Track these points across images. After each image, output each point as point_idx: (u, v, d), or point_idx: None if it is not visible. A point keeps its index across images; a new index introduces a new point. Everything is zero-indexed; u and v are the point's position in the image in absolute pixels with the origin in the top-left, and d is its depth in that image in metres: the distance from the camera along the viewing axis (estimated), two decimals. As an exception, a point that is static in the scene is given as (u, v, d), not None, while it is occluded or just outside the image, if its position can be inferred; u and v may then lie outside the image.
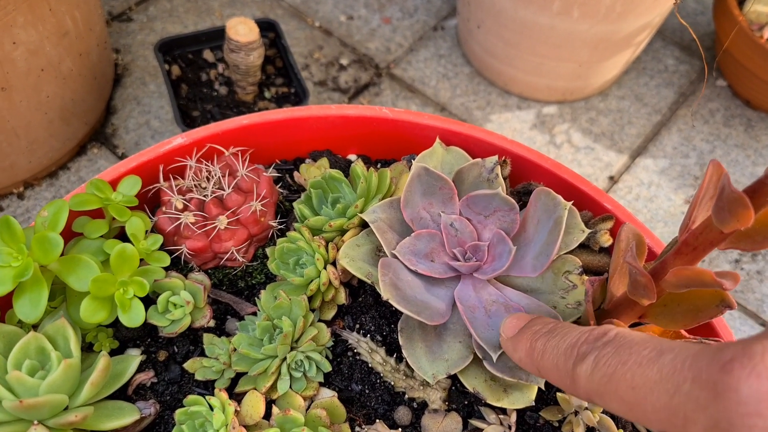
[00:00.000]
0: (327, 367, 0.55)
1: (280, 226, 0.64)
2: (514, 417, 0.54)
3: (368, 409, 0.55)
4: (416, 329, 0.54)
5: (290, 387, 0.53)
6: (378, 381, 0.55)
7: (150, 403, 0.54)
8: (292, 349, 0.54)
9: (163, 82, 1.18)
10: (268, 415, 0.52)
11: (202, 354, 0.57)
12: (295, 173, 0.69)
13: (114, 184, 0.61)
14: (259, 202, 0.60)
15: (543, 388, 0.51)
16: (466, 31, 1.24)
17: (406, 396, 0.55)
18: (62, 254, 0.52)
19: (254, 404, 0.51)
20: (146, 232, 0.59)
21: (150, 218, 0.61)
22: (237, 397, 0.54)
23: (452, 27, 1.35)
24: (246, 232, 0.60)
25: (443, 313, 0.53)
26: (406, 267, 0.55)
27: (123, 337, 0.58)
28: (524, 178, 0.67)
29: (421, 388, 0.55)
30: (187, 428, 0.50)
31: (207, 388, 0.56)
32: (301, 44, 1.29)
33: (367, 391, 0.55)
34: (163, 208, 0.61)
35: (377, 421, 0.53)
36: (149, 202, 0.64)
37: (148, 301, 0.57)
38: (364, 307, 0.58)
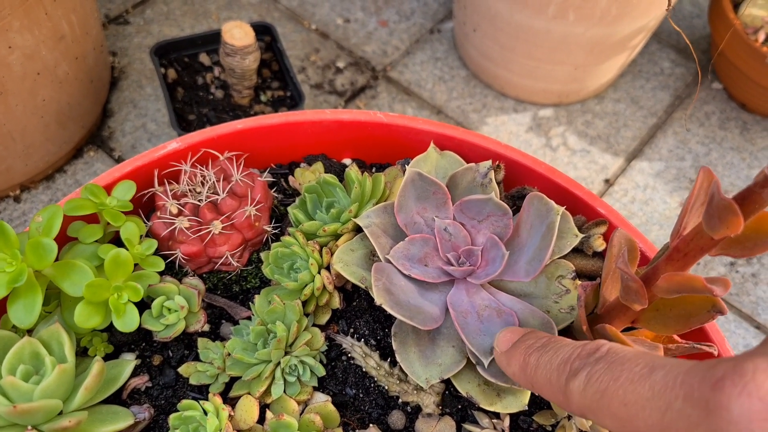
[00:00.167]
0: (321, 371, 0.55)
1: (274, 231, 0.64)
2: (507, 421, 0.54)
3: (362, 413, 0.55)
4: (410, 334, 0.54)
5: (284, 391, 0.53)
6: (372, 385, 0.55)
7: (144, 408, 0.54)
8: (286, 353, 0.54)
9: (159, 85, 1.18)
10: (262, 420, 0.52)
11: (197, 358, 0.57)
12: (290, 177, 0.69)
13: (109, 188, 0.61)
14: (254, 206, 0.61)
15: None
16: (462, 35, 1.25)
17: (400, 400, 0.55)
18: (57, 259, 0.52)
19: (248, 409, 0.51)
20: (141, 236, 0.59)
21: (145, 223, 0.61)
22: (231, 402, 0.54)
23: (449, 30, 1.35)
24: (240, 236, 0.61)
25: (436, 318, 0.53)
26: (399, 272, 0.55)
27: (118, 342, 0.58)
28: (518, 182, 0.67)
29: (415, 392, 0.55)
30: (181, 433, 0.50)
31: (201, 392, 0.56)
32: (298, 47, 1.29)
33: (361, 396, 0.55)
34: (158, 213, 0.61)
35: (371, 425, 0.53)
36: (144, 206, 0.64)
37: (143, 305, 0.57)
38: (358, 312, 0.58)
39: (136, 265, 0.57)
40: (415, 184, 0.57)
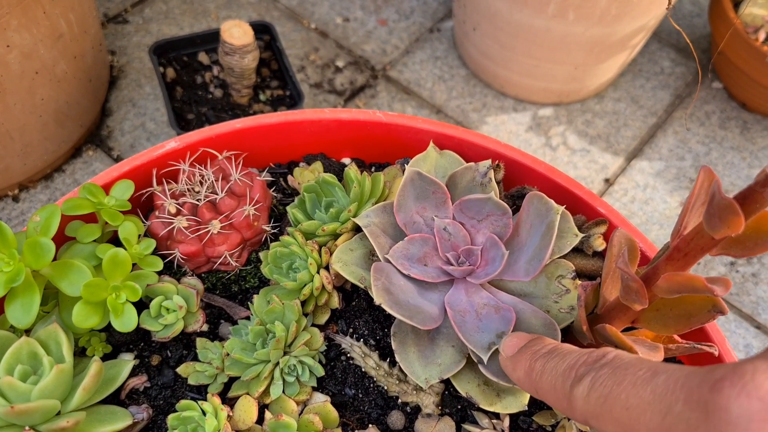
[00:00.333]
0: (320, 371, 0.55)
1: (273, 230, 0.64)
2: (507, 421, 0.54)
3: (361, 413, 0.55)
4: (409, 334, 0.54)
5: (283, 392, 0.53)
6: (371, 385, 0.55)
7: (143, 408, 0.54)
8: (285, 353, 0.54)
9: (158, 84, 1.18)
10: (260, 420, 0.52)
11: (195, 358, 0.57)
12: (289, 177, 0.69)
13: (107, 188, 0.60)
14: (253, 206, 0.60)
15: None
16: (462, 34, 1.24)
17: (400, 400, 0.55)
18: (55, 258, 0.52)
19: (247, 409, 0.51)
20: (139, 236, 0.59)
21: (143, 222, 0.61)
22: (230, 402, 0.53)
23: (448, 29, 1.35)
24: (239, 236, 0.60)
25: (436, 318, 0.53)
26: (399, 271, 0.55)
27: (116, 342, 0.58)
28: (518, 182, 0.67)
29: (415, 392, 0.55)
30: (180, 433, 0.50)
31: (200, 392, 0.56)
32: (297, 46, 1.29)
33: (360, 396, 0.55)
34: (156, 212, 0.61)
35: (370, 425, 0.53)
36: (142, 206, 0.64)
37: (141, 305, 0.57)
38: (357, 312, 0.58)
39: (134, 264, 0.57)
40: (414, 184, 0.57)
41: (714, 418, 0.26)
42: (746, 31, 1.16)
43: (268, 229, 0.63)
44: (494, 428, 0.53)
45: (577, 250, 0.61)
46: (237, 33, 0.92)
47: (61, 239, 0.58)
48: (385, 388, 0.55)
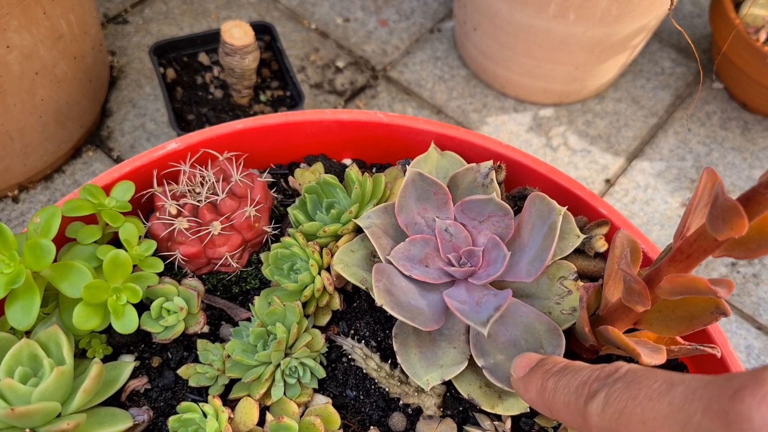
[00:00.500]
0: (321, 373, 0.54)
1: (274, 232, 0.64)
2: (509, 423, 0.54)
3: (363, 415, 0.54)
4: (411, 335, 0.53)
5: (284, 393, 0.53)
6: (373, 387, 0.55)
7: (143, 410, 0.53)
8: (286, 355, 0.54)
9: (158, 85, 1.18)
10: (262, 422, 0.52)
11: (196, 360, 0.57)
12: (290, 178, 0.68)
13: (107, 189, 0.60)
14: (253, 207, 0.60)
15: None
16: (463, 34, 1.24)
17: (401, 402, 0.55)
18: (55, 260, 0.52)
19: (248, 411, 0.51)
20: (140, 237, 0.59)
21: (143, 223, 0.61)
22: (231, 404, 0.53)
23: (449, 29, 1.35)
24: (240, 237, 0.60)
25: (437, 319, 0.52)
26: (400, 272, 0.55)
27: (116, 343, 0.58)
28: (519, 182, 0.67)
29: (416, 394, 0.55)
30: (181, 435, 0.50)
31: (201, 394, 0.56)
32: (298, 47, 1.29)
33: (361, 397, 0.55)
34: (157, 214, 0.60)
35: (372, 427, 0.53)
36: (143, 207, 0.64)
37: (142, 306, 0.57)
38: (358, 313, 0.58)
39: (135, 266, 0.57)
40: (415, 185, 0.57)
41: (735, 428, 0.26)
42: (747, 31, 1.16)
43: (269, 230, 0.63)
44: (496, 430, 0.53)
45: (579, 251, 0.61)
46: (237, 33, 0.92)
47: (62, 240, 0.58)
48: (387, 389, 0.55)
